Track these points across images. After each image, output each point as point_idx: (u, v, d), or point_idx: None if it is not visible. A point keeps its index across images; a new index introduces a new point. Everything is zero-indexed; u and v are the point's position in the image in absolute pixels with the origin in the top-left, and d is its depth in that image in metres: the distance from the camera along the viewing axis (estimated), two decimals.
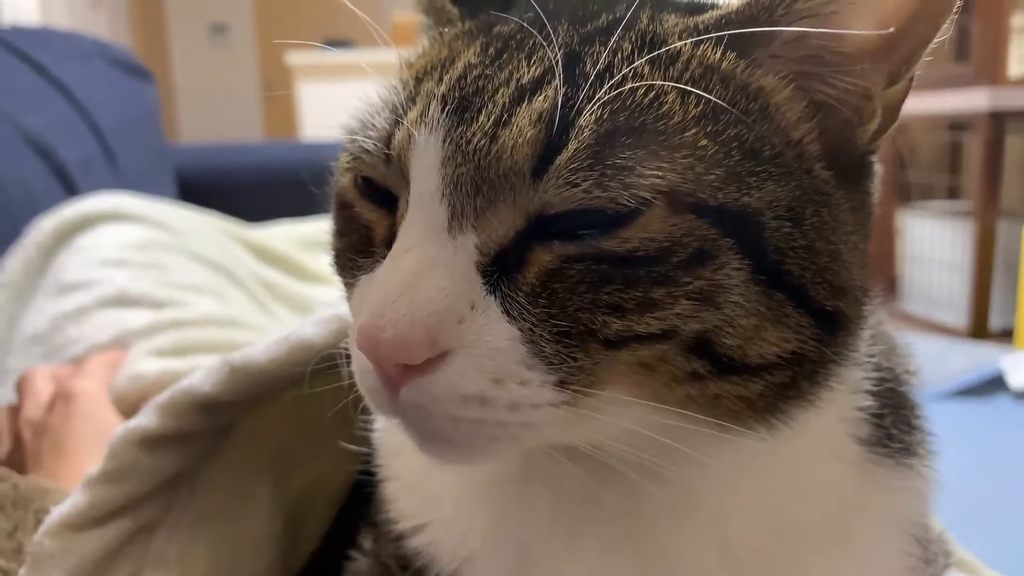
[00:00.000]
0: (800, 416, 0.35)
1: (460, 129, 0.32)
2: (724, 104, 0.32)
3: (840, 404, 0.39)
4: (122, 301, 0.83)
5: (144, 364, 0.74)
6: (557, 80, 0.32)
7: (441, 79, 0.35)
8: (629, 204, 0.30)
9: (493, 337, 0.31)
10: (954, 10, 0.33)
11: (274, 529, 0.53)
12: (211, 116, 5.27)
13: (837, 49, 0.34)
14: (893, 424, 0.41)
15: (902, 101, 0.36)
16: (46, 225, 0.93)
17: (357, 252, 0.37)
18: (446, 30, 0.41)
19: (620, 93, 0.32)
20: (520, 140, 0.31)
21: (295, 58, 3.24)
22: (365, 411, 0.36)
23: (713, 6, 0.38)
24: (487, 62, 0.35)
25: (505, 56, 0.35)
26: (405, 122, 0.34)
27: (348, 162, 0.38)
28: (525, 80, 0.33)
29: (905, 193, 2.88)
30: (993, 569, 0.64)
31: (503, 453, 0.38)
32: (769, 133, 0.33)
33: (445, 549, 0.41)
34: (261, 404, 0.53)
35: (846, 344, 0.36)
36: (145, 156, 1.49)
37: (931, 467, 0.43)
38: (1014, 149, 2.52)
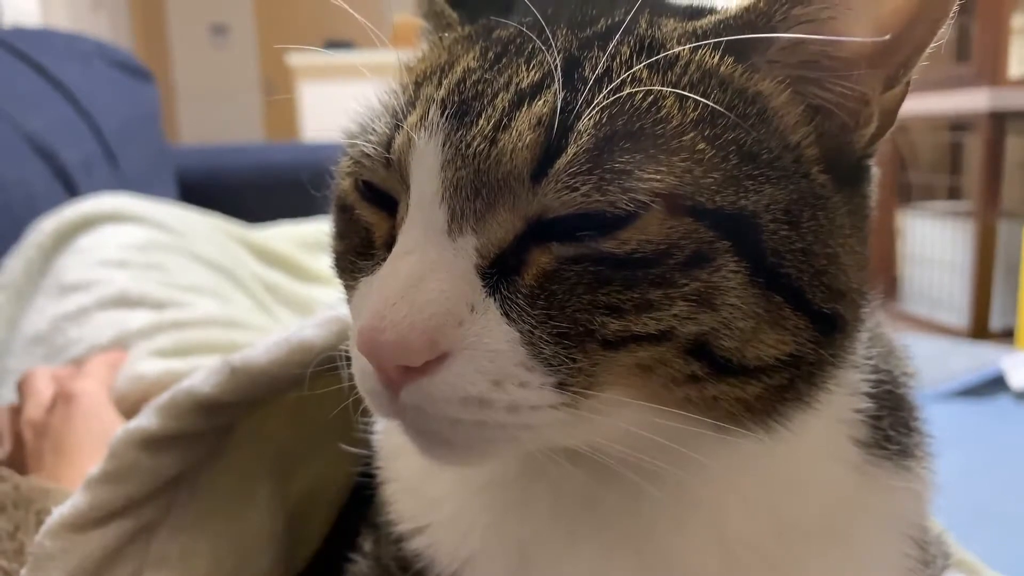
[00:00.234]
0: (798, 418, 0.35)
1: (460, 133, 0.32)
2: (722, 109, 0.33)
3: (838, 406, 0.39)
4: (123, 302, 0.83)
5: (145, 365, 0.74)
6: (556, 84, 0.32)
7: (441, 83, 0.35)
8: (628, 208, 0.30)
9: (493, 339, 0.31)
10: (950, 15, 0.33)
11: (275, 529, 0.53)
12: (212, 117, 5.28)
13: (834, 54, 0.34)
14: (891, 426, 0.42)
15: (899, 105, 0.36)
16: (47, 226, 0.94)
17: (357, 255, 0.38)
18: (446, 35, 0.41)
19: (619, 97, 0.32)
20: (519, 144, 0.31)
21: (296, 59, 3.24)
22: (366, 413, 0.36)
23: (711, 11, 0.38)
24: (487, 66, 0.35)
25: (504, 60, 0.35)
26: (405, 126, 0.34)
27: (348, 166, 0.39)
28: (524, 84, 0.33)
29: (906, 193, 2.88)
30: (994, 569, 0.64)
31: (503, 455, 0.38)
32: (767, 137, 0.34)
33: (445, 551, 0.41)
34: (262, 405, 0.53)
35: (844, 346, 0.36)
36: (146, 157, 1.49)
37: (929, 469, 0.43)
38: (1015, 149, 2.52)
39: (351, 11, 0.42)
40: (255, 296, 1.02)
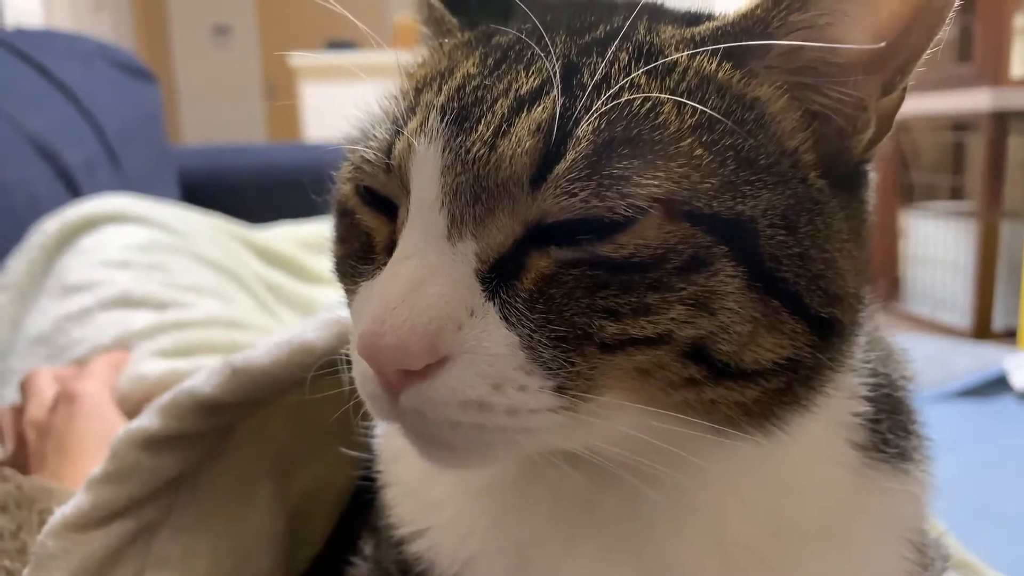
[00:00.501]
0: (796, 421, 0.36)
1: (459, 139, 0.33)
2: (719, 115, 0.33)
3: (836, 409, 0.39)
4: (125, 302, 0.83)
5: (147, 365, 0.74)
6: (555, 91, 0.32)
7: (440, 89, 0.35)
8: (626, 213, 0.31)
9: (492, 343, 0.31)
10: (946, 22, 0.34)
11: (276, 530, 0.54)
12: (214, 117, 5.28)
13: (832, 60, 0.35)
14: (889, 429, 0.42)
15: (896, 111, 0.36)
16: (49, 227, 0.94)
17: (358, 259, 0.38)
18: (446, 40, 0.41)
19: (617, 104, 0.32)
20: (519, 150, 0.32)
21: (298, 60, 3.24)
22: (366, 416, 0.37)
23: (709, 17, 0.38)
24: (486, 73, 0.35)
25: (504, 67, 0.35)
26: (405, 132, 0.34)
27: (349, 171, 0.39)
28: (524, 91, 0.33)
29: (908, 194, 2.87)
30: (997, 569, 0.64)
31: (502, 458, 0.38)
32: (764, 142, 0.34)
33: (445, 553, 0.41)
34: (263, 406, 0.53)
35: (841, 350, 0.36)
36: (148, 158, 1.50)
37: (928, 472, 0.43)
38: (1017, 149, 2.52)
39: (353, 13, 0.42)
40: (257, 296, 1.03)
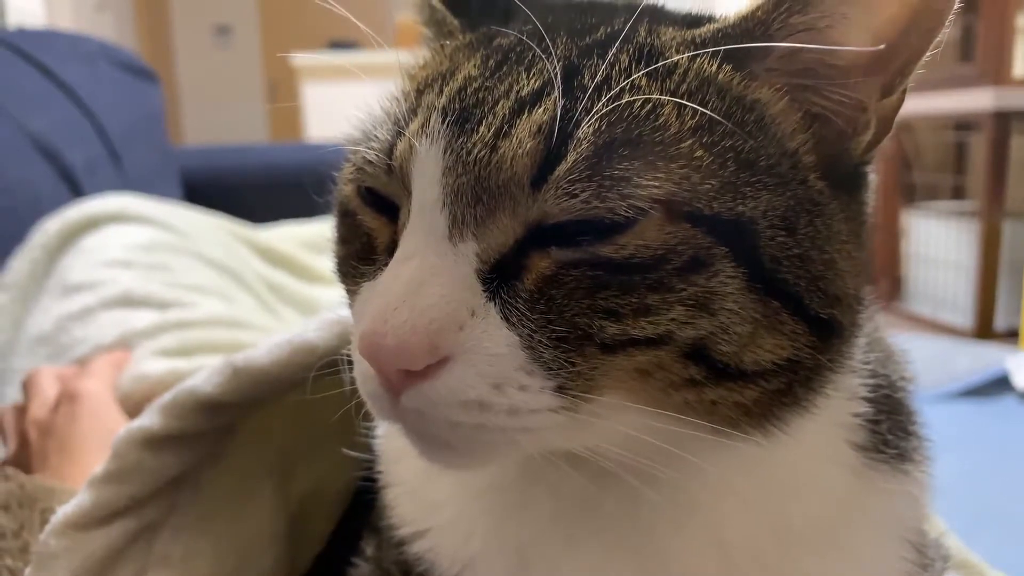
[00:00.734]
0: (796, 422, 0.36)
1: (461, 140, 0.33)
2: (719, 117, 0.33)
3: (836, 410, 0.39)
4: (127, 302, 0.83)
5: (149, 364, 0.74)
6: (556, 92, 0.32)
7: (442, 91, 0.35)
8: (626, 214, 0.31)
9: (493, 343, 0.32)
10: (945, 25, 0.34)
11: (277, 529, 0.54)
12: (216, 117, 5.28)
13: (832, 62, 0.35)
14: (889, 430, 0.42)
15: (896, 113, 0.37)
16: (51, 226, 0.94)
17: (360, 260, 0.38)
18: (447, 42, 0.41)
19: (618, 105, 0.32)
20: (520, 151, 0.32)
21: (300, 60, 3.24)
22: (367, 417, 0.37)
23: (710, 19, 0.38)
24: (487, 74, 0.35)
25: (505, 68, 0.35)
26: (407, 133, 0.35)
27: (351, 172, 0.39)
28: (525, 92, 0.33)
29: (910, 193, 2.87)
30: (999, 569, 0.64)
31: (503, 458, 0.38)
32: (764, 144, 0.34)
33: (446, 554, 0.41)
34: (264, 405, 0.53)
35: (841, 351, 0.36)
36: (150, 158, 1.50)
37: (927, 473, 0.43)
38: (1019, 149, 2.51)
39: (355, 13, 0.42)
40: (259, 296, 1.03)
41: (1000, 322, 2.46)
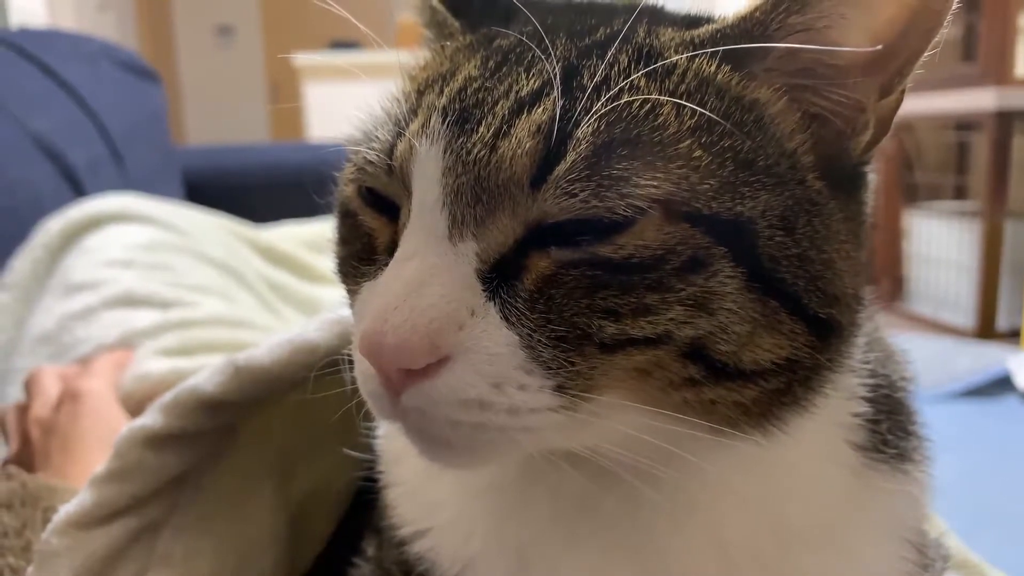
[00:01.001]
0: (795, 421, 0.36)
1: (461, 140, 0.33)
2: (718, 117, 0.33)
3: (835, 410, 0.40)
4: (129, 301, 0.84)
5: (151, 364, 0.75)
6: (555, 92, 0.33)
7: (442, 91, 0.35)
8: (625, 214, 0.31)
9: (492, 343, 0.32)
10: (943, 25, 0.34)
11: (278, 529, 0.54)
12: (218, 117, 5.29)
13: (830, 62, 0.35)
14: (889, 430, 0.42)
15: (894, 113, 0.37)
16: (53, 226, 0.94)
17: (360, 260, 0.38)
18: (448, 43, 0.41)
19: (617, 105, 0.32)
20: (519, 151, 0.32)
21: (302, 60, 3.25)
22: (368, 416, 0.37)
23: (709, 20, 0.38)
24: (487, 75, 0.35)
25: (505, 69, 0.35)
26: (407, 133, 0.35)
27: (351, 173, 0.39)
28: (524, 92, 0.34)
29: (912, 193, 2.87)
30: (1000, 569, 0.64)
31: (503, 457, 0.38)
32: (763, 144, 0.34)
33: (446, 554, 0.42)
34: (265, 405, 0.53)
35: (840, 351, 0.36)
36: (152, 157, 1.50)
37: (927, 473, 0.43)
38: (1021, 149, 2.51)
39: (356, 14, 0.42)
40: (261, 296, 1.03)
41: (1002, 322, 2.45)
